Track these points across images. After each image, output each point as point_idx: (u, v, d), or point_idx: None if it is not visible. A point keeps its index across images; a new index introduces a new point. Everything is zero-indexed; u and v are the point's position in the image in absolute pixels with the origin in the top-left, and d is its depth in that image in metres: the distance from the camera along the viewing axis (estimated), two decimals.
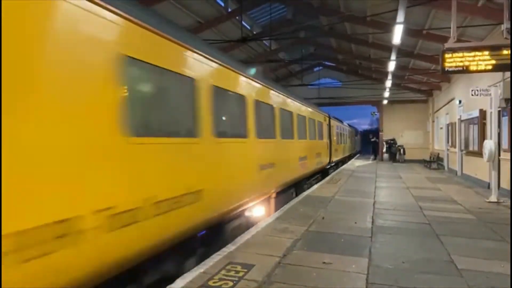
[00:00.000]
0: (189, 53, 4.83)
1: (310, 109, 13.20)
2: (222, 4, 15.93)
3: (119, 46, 3.45)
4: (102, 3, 3.23)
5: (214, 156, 5.40)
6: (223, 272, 4.36)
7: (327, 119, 17.83)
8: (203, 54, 5.18)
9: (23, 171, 2.55)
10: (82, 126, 3.01)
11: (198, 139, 4.89)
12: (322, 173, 17.08)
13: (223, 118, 5.93)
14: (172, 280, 4.08)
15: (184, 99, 4.81)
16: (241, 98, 6.67)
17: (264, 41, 20.11)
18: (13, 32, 2.48)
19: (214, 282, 4.05)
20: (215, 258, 4.86)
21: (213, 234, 5.74)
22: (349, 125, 32.19)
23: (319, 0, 16.32)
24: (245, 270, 4.41)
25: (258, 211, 7.76)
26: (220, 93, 5.64)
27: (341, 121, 24.81)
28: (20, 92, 2.54)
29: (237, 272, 4.36)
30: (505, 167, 10.34)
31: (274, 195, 8.87)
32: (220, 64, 5.71)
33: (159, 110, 4.30)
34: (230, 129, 6.28)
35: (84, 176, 3.01)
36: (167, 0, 13.17)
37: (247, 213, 7.27)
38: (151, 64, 3.97)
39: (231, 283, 4.02)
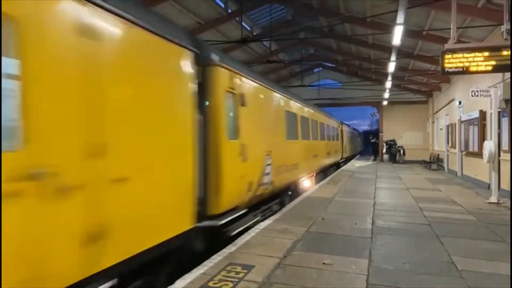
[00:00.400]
0: (294, 102, 11.19)
1: (332, 120, 19.65)
2: (222, 5, 15.93)
3: (285, 108, 9.86)
4: (283, 94, 10.03)
5: (301, 148, 11.72)
6: (223, 273, 4.35)
7: (340, 125, 23.96)
8: (297, 101, 11.58)
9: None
10: (282, 136, 9.43)
11: (297, 140, 11.15)
12: (336, 166, 22.89)
13: (302, 130, 11.94)
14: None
15: (294, 123, 10.94)
16: (307, 119, 12.90)
17: (264, 42, 20.11)
18: (281, 114, 9.68)
19: (214, 283, 4.04)
20: (215, 259, 4.86)
21: (292, 190, 11.06)
22: (353, 128, 38.53)
23: (319, 1, 16.33)
24: (245, 271, 4.41)
25: (308, 182, 13.26)
26: (302, 118, 12.02)
27: (348, 126, 31.14)
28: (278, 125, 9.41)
29: (237, 273, 4.36)
30: (505, 168, 10.33)
31: (314, 175, 14.60)
32: (301, 104, 12.15)
33: (291, 128, 10.29)
34: (303, 135, 12.15)
35: (279, 153, 9.05)
36: (168, 1, 13.17)
37: (305, 181, 12.91)
38: (290, 111, 10.37)
39: (231, 284, 4.01)
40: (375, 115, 35.06)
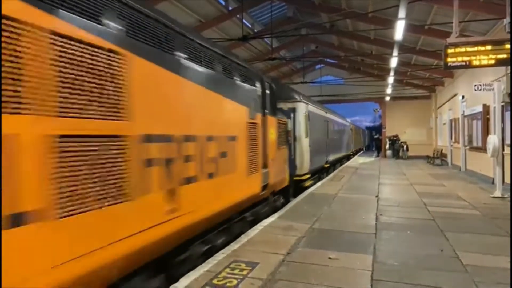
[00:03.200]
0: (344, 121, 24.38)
1: (352, 125, 25.68)
2: (223, 3, 15.90)
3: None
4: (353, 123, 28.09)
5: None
6: (227, 270, 4.35)
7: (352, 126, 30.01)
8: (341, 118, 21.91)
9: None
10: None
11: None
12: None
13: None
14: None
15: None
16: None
17: (265, 39, 20.06)
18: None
19: (218, 281, 4.04)
20: (219, 256, 4.86)
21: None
22: (359, 127, 43.65)
23: None
24: (250, 268, 4.41)
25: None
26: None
27: (359, 127, 36.57)
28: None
29: (242, 270, 4.36)
30: (509, 162, 10.28)
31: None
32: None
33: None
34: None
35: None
36: (168, 0, 13.15)
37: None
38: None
39: (235, 281, 4.01)
40: (378, 111, 34.97)
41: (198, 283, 3.99)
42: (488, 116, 12.64)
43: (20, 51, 2.31)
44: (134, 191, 3.31)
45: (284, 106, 11.19)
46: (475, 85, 11.14)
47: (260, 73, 7.89)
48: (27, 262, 2.34)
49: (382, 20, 14.50)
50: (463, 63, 8.29)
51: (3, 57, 2.20)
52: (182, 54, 4.34)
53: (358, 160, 26.14)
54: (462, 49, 8.23)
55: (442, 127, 22.65)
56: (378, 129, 35.54)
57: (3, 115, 2.19)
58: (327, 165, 16.72)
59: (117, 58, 3.18)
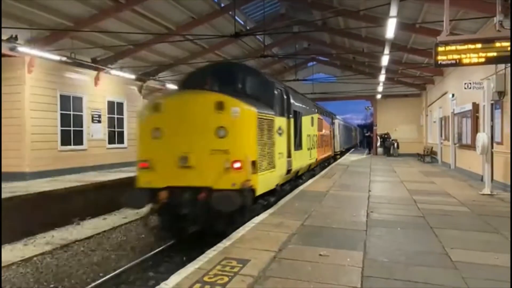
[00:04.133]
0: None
1: (347, 124, 34.20)
2: (215, 0, 15.81)
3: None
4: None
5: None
6: (218, 267, 4.34)
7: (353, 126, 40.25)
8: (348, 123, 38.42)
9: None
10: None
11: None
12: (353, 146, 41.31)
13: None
14: None
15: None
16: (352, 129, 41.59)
17: (257, 36, 20.02)
18: None
19: (209, 278, 4.03)
20: (210, 253, 4.85)
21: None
22: (351, 124, 48.40)
23: None
24: (241, 265, 4.40)
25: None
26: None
27: (351, 125, 42.53)
28: None
29: (233, 267, 4.35)
30: (498, 160, 10.41)
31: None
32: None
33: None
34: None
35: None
36: None
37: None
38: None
39: (226, 279, 4.00)
40: (369, 109, 35.19)
41: (189, 281, 3.97)
42: (477, 114, 12.77)
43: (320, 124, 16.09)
44: (320, 145, 15.81)
45: None
46: (465, 84, 11.23)
47: (330, 111, 23.01)
48: (319, 155, 15.54)
49: (374, 18, 14.54)
50: (454, 61, 8.32)
51: (321, 123, 16.84)
52: (322, 113, 17.59)
53: (350, 157, 26.27)
54: (453, 48, 8.27)
55: (432, 125, 22.84)
56: (370, 126, 36.08)
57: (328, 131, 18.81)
58: (343, 150, 29.33)
59: (321, 120, 16.24)
